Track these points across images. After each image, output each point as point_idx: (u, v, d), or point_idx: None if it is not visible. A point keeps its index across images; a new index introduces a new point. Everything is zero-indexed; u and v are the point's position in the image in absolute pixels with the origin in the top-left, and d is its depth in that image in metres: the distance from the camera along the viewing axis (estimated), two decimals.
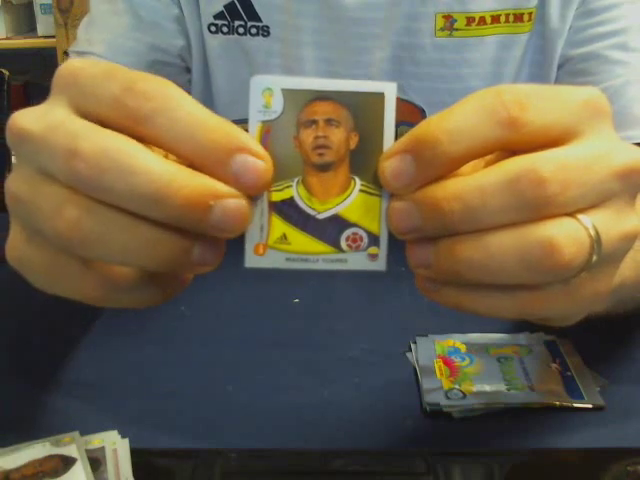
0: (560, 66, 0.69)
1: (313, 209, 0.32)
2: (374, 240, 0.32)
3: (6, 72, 1.74)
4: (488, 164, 0.30)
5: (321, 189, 0.31)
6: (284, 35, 0.68)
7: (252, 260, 0.32)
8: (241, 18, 0.68)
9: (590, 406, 0.43)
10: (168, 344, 0.51)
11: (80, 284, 0.32)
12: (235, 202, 0.29)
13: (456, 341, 0.49)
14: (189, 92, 0.73)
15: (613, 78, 0.67)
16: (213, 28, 0.69)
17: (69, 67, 0.31)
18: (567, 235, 0.29)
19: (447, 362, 0.47)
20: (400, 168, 0.30)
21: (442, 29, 0.67)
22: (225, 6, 0.68)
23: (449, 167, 0.30)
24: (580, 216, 0.29)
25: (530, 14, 0.67)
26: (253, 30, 0.68)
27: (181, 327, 0.54)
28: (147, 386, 0.46)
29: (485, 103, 0.29)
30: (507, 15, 0.67)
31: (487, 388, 0.44)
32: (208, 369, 0.48)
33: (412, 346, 0.49)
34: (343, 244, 0.32)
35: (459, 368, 0.46)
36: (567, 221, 0.29)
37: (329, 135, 0.31)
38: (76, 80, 0.30)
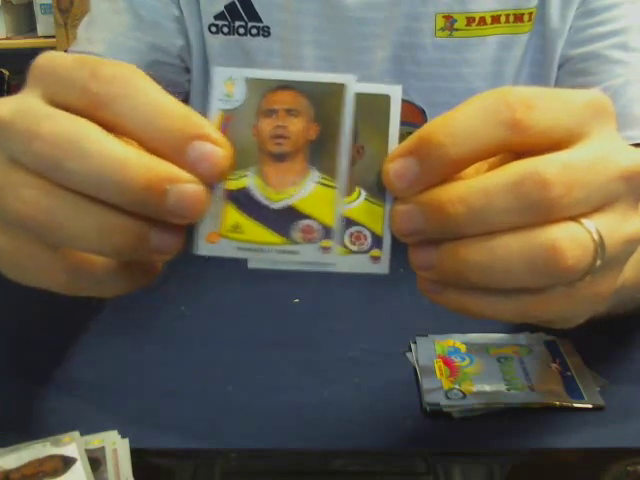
0: (560, 66, 0.70)
1: (268, 198, 0.31)
2: (327, 232, 0.31)
3: (6, 72, 1.74)
4: (491, 167, 0.30)
5: (277, 179, 0.31)
6: (284, 34, 0.68)
7: (203, 248, 0.32)
8: (242, 19, 0.68)
9: (590, 406, 0.43)
10: (168, 344, 0.51)
11: (47, 272, 0.32)
12: (191, 187, 0.29)
13: (456, 341, 0.49)
14: (188, 92, 0.73)
15: (613, 78, 0.67)
16: (214, 28, 0.69)
17: (46, 58, 0.31)
18: (571, 239, 0.29)
19: (447, 362, 0.47)
20: (404, 170, 0.30)
21: (442, 29, 0.67)
22: (226, 6, 0.68)
23: (453, 169, 0.30)
24: (584, 220, 0.29)
25: (530, 14, 0.67)
26: (254, 30, 0.68)
27: (181, 327, 0.54)
28: (147, 386, 0.46)
29: (489, 104, 0.29)
30: (507, 15, 0.67)
31: (487, 388, 0.44)
32: (208, 369, 0.48)
33: (412, 346, 0.49)
34: (296, 235, 0.32)
35: (459, 368, 0.46)
36: (571, 225, 0.29)
37: (288, 125, 0.31)
38: (52, 70, 0.31)
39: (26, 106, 0.31)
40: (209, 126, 0.30)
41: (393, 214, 0.30)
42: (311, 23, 0.68)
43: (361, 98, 0.31)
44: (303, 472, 0.39)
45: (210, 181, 0.30)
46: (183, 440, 0.41)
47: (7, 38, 2.00)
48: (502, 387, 0.44)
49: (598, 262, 0.30)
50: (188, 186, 0.29)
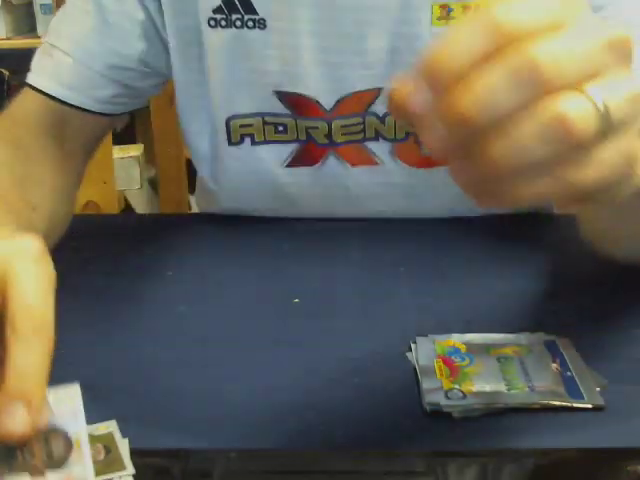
0: None
1: None
2: None
3: (6, 72, 1.74)
4: None
5: None
6: (281, 25, 0.68)
7: None
8: (238, 11, 0.68)
9: (590, 406, 0.43)
10: (168, 344, 0.51)
11: None
12: None
13: (456, 341, 0.49)
14: (152, 97, 0.75)
15: None
16: (212, 22, 0.69)
17: None
18: (572, 104, 0.31)
19: (447, 362, 0.47)
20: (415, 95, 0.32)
21: (439, 18, 0.67)
22: (223, 0, 0.68)
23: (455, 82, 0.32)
24: (582, 88, 0.31)
25: None
26: (250, 23, 0.68)
27: (181, 327, 0.54)
28: (147, 386, 0.46)
29: (476, 21, 0.31)
30: None
31: (487, 388, 0.44)
32: (208, 369, 0.48)
33: (412, 346, 0.49)
34: None
35: (459, 368, 0.46)
36: (570, 93, 0.31)
37: None
38: None
39: None
40: None
41: (423, 140, 0.32)
42: (307, 13, 0.68)
43: None
44: (303, 472, 0.39)
45: None
46: (183, 440, 0.41)
47: (7, 38, 2.00)
48: (502, 387, 0.44)
49: (605, 121, 0.31)
50: None
